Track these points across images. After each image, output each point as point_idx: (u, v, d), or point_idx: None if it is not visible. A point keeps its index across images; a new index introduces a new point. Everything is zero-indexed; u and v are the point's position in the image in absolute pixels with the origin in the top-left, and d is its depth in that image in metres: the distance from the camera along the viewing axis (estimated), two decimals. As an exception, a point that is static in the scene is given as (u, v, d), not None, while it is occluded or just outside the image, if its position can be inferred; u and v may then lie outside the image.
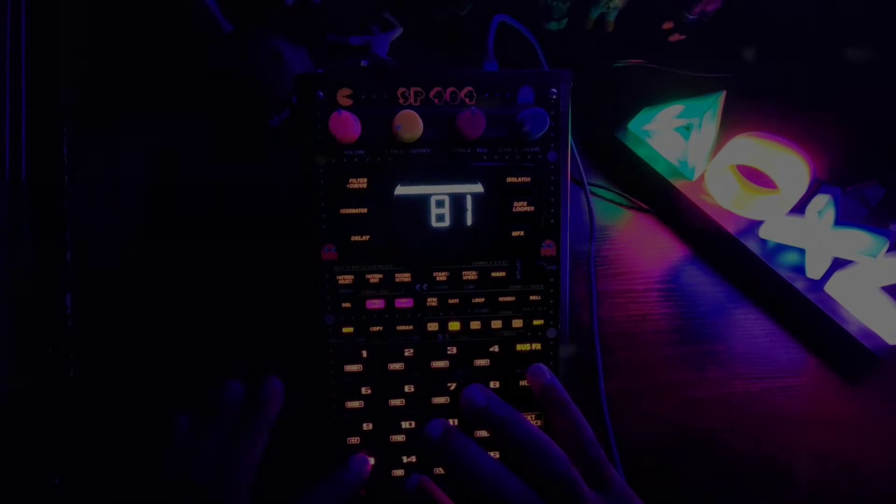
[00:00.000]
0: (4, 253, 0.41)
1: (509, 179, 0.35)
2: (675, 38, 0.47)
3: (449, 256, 0.35)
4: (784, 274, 0.44)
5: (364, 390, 0.36)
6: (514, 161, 0.35)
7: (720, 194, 0.45)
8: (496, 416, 0.29)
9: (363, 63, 0.45)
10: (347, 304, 0.35)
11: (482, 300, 0.36)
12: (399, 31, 0.46)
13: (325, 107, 0.33)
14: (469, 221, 0.35)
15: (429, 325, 0.36)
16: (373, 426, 0.36)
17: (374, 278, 0.35)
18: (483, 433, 0.35)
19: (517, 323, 0.36)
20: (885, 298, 0.44)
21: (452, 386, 0.36)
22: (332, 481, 0.33)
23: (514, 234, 0.35)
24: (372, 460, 0.35)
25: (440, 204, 0.35)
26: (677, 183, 0.45)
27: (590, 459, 0.29)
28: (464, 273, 0.35)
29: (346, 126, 0.33)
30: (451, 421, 0.36)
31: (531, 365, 0.34)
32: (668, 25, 0.47)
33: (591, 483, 0.28)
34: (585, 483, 0.28)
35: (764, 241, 0.45)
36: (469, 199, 0.35)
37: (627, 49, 0.47)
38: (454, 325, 0.36)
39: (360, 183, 0.34)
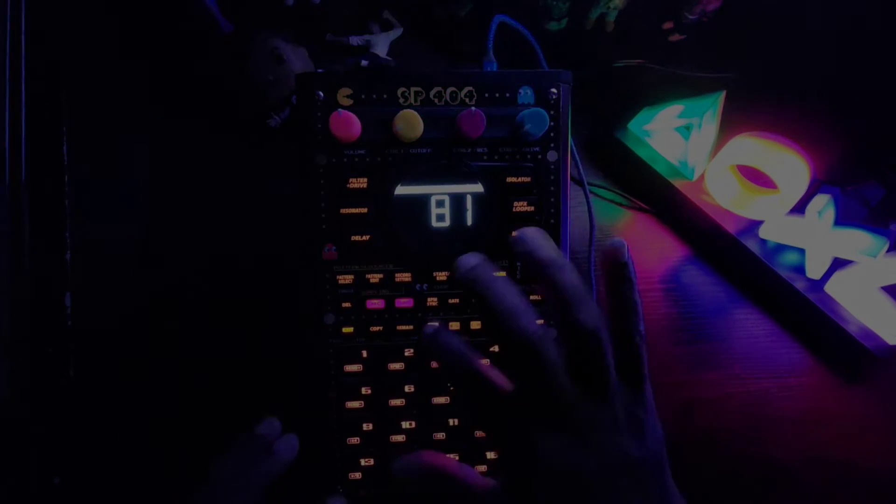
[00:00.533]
0: (4, 253, 0.41)
1: (509, 179, 0.35)
2: (675, 38, 0.47)
3: (449, 256, 0.35)
4: (784, 274, 0.44)
5: (364, 390, 0.36)
6: (514, 161, 0.35)
7: (720, 194, 0.45)
8: (540, 259, 0.26)
9: (363, 63, 0.45)
10: (347, 304, 0.35)
11: (482, 300, 0.36)
12: (399, 31, 0.46)
13: (325, 107, 0.33)
14: (469, 221, 0.35)
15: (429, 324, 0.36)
16: (373, 426, 0.36)
17: (374, 278, 0.35)
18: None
19: (517, 323, 0.36)
20: (885, 298, 0.44)
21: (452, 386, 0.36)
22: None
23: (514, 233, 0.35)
24: None
25: (440, 204, 0.35)
26: (677, 183, 0.45)
27: (631, 346, 0.26)
28: (464, 273, 0.35)
29: (346, 126, 0.33)
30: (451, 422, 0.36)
31: (614, 239, 0.29)
32: (668, 25, 0.47)
33: (621, 370, 0.26)
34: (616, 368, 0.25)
35: (764, 241, 0.45)
36: (469, 198, 0.35)
37: (627, 49, 0.47)
38: (454, 325, 0.36)
39: (360, 183, 0.34)
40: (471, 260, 0.26)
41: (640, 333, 0.27)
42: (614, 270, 0.27)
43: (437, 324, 0.27)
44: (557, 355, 0.24)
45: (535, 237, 0.27)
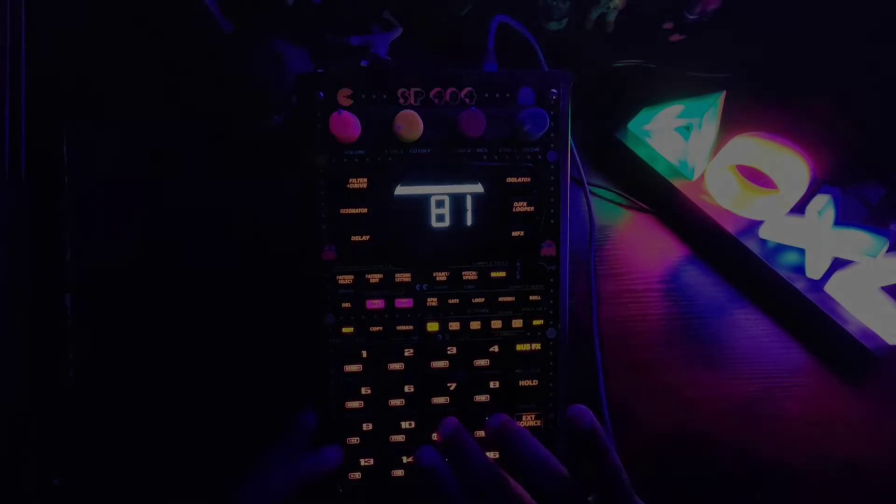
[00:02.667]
0: (4, 253, 0.41)
1: (509, 179, 0.35)
2: (675, 38, 0.47)
3: (449, 256, 0.35)
4: (784, 274, 0.44)
5: (364, 390, 0.36)
6: (514, 161, 0.35)
7: (720, 194, 0.45)
8: (509, 432, 0.31)
9: (363, 63, 0.45)
10: (347, 304, 0.35)
11: (482, 300, 0.36)
12: (399, 31, 0.46)
13: (325, 107, 0.33)
14: (469, 221, 0.35)
15: (429, 325, 0.36)
16: (373, 426, 0.36)
17: (374, 278, 0.35)
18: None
19: (517, 323, 0.36)
20: (885, 298, 0.44)
21: (452, 386, 0.36)
22: (297, 461, 0.33)
23: (514, 234, 0.35)
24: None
25: (440, 204, 0.35)
26: (677, 183, 0.45)
27: (618, 492, 0.29)
28: (464, 273, 0.35)
29: (346, 126, 0.33)
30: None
31: (572, 406, 0.32)
32: (668, 25, 0.47)
33: None
34: None
35: (764, 241, 0.45)
36: (469, 199, 0.35)
37: (627, 49, 0.47)
38: (454, 325, 0.36)
39: (360, 183, 0.34)
40: (426, 457, 0.31)
41: (624, 492, 0.29)
42: (583, 441, 0.30)
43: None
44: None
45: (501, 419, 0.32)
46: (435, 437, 0.34)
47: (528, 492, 0.29)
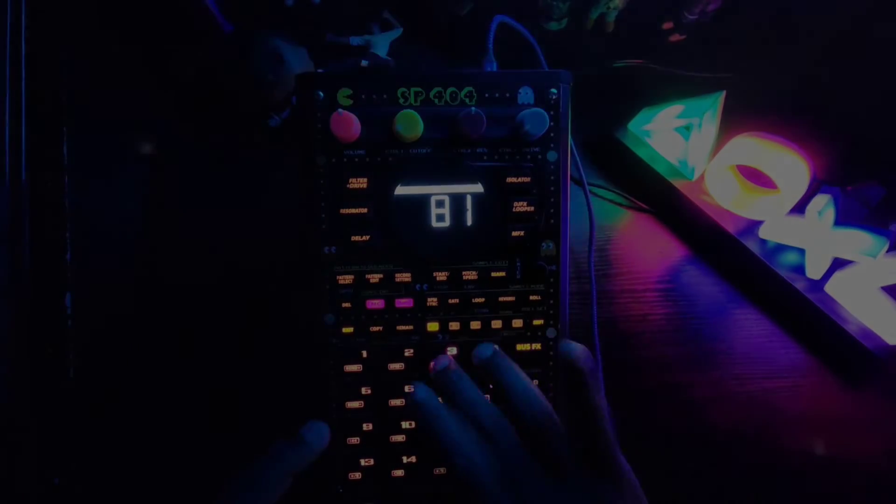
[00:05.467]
0: (4, 253, 0.41)
1: (509, 179, 0.35)
2: (675, 38, 0.47)
3: (449, 256, 0.35)
4: (784, 274, 0.44)
5: (364, 390, 0.36)
6: (514, 161, 0.35)
7: (720, 194, 0.45)
8: (497, 365, 0.32)
9: (363, 63, 0.45)
10: (347, 304, 0.35)
11: (482, 300, 0.36)
12: (399, 31, 0.46)
13: (325, 107, 0.33)
14: (469, 221, 0.35)
15: (429, 325, 0.36)
16: (373, 426, 0.36)
17: (374, 278, 0.35)
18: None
19: (517, 323, 0.36)
20: (885, 298, 0.44)
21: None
22: (275, 456, 0.32)
23: (514, 234, 0.35)
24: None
25: (440, 204, 0.35)
26: (677, 183, 0.45)
27: (599, 440, 0.29)
28: (464, 273, 0.35)
29: (346, 126, 0.33)
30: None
31: (566, 343, 0.31)
32: (668, 25, 0.47)
33: (588, 461, 0.29)
34: (582, 456, 0.29)
35: (764, 241, 0.45)
36: (469, 199, 0.35)
37: (627, 49, 0.47)
38: (454, 325, 0.36)
39: (360, 183, 0.34)
40: (419, 392, 0.32)
41: (604, 429, 0.29)
42: (575, 377, 0.30)
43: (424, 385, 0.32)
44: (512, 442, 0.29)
45: (492, 348, 0.33)
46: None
47: (514, 423, 0.30)
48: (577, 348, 0.30)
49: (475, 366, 0.33)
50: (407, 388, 0.36)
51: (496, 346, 0.33)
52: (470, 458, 0.29)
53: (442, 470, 0.35)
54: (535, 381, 0.36)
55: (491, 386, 0.34)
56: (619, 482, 0.29)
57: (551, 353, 0.36)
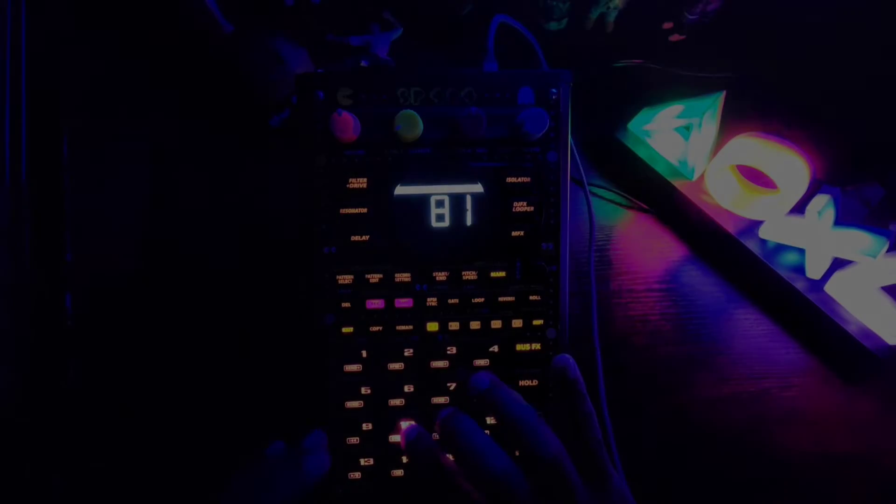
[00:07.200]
0: (4, 253, 0.41)
1: (509, 179, 0.35)
2: (675, 38, 0.47)
3: (449, 256, 0.35)
4: (784, 274, 0.44)
5: (364, 390, 0.36)
6: (514, 161, 0.35)
7: (720, 194, 0.45)
8: (496, 397, 0.30)
9: (363, 63, 0.45)
10: (347, 304, 0.35)
11: (482, 300, 0.36)
12: (399, 31, 0.46)
13: (325, 107, 0.33)
14: (469, 221, 0.35)
15: (428, 325, 0.36)
16: (373, 426, 0.36)
17: (374, 278, 0.35)
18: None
19: (517, 323, 0.36)
20: (885, 298, 0.44)
21: (452, 386, 0.36)
22: (293, 476, 0.32)
23: (514, 234, 0.35)
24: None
25: (440, 204, 0.35)
26: (677, 183, 0.45)
27: (589, 453, 0.29)
28: (464, 273, 0.35)
29: (346, 126, 0.33)
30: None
31: (558, 355, 0.32)
32: (668, 25, 0.47)
33: (586, 477, 0.29)
34: (580, 476, 0.28)
35: (764, 241, 0.45)
36: (469, 199, 0.35)
37: (627, 49, 0.47)
38: (454, 325, 0.36)
39: (360, 183, 0.34)
40: (444, 412, 0.30)
41: (596, 440, 0.30)
42: (564, 386, 0.31)
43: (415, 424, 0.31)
44: (523, 488, 0.27)
45: (490, 378, 0.31)
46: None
47: (521, 455, 0.29)
48: (571, 364, 0.31)
49: (473, 398, 0.31)
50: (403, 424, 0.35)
51: (493, 377, 0.31)
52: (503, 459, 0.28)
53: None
54: (535, 382, 0.36)
55: (490, 420, 0.34)
56: (611, 494, 0.29)
57: (551, 353, 0.36)
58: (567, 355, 0.32)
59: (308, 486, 0.32)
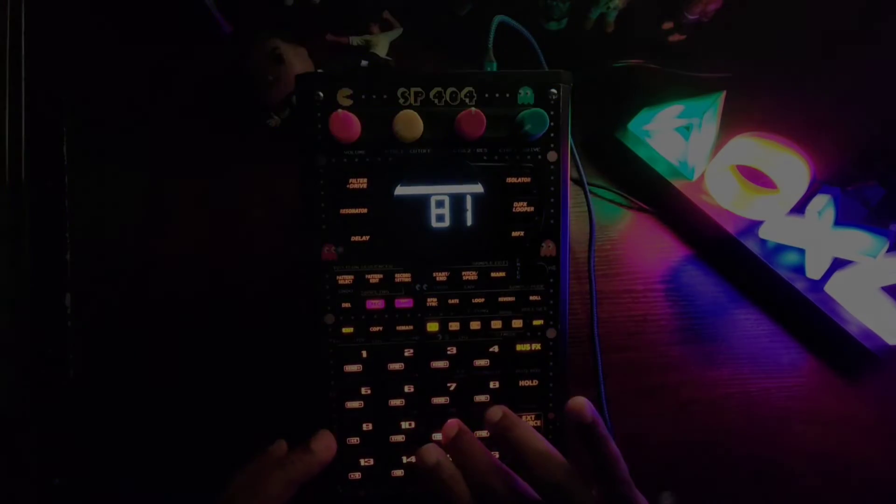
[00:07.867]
0: (4, 253, 0.41)
1: (509, 179, 0.35)
2: (675, 38, 0.47)
3: (449, 256, 0.35)
4: (784, 274, 0.44)
5: (364, 390, 0.36)
6: (514, 161, 0.35)
7: (720, 194, 0.45)
8: (507, 428, 0.30)
9: (363, 63, 0.45)
10: (347, 305, 0.35)
11: (482, 300, 0.36)
12: (399, 31, 0.46)
13: (325, 107, 0.33)
14: (469, 221, 0.35)
15: (429, 325, 0.36)
16: (373, 426, 0.36)
17: (374, 278, 0.35)
18: None
19: (517, 323, 0.36)
20: (885, 298, 0.44)
21: (452, 386, 0.36)
22: (282, 464, 0.32)
23: (514, 234, 0.35)
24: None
25: (440, 204, 0.35)
26: (677, 183, 0.45)
27: (621, 498, 0.29)
28: (464, 273, 0.35)
29: (346, 126, 0.33)
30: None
31: (573, 398, 0.30)
32: (668, 25, 0.47)
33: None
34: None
35: (764, 241, 0.45)
36: (469, 199, 0.35)
37: (627, 49, 0.47)
38: (454, 325, 0.36)
39: (360, 183, 0.34)
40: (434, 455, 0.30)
41: (627, 482, 0.29)
42: (583, 432, 0.29)
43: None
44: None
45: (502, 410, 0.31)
46: (440, 437, 0.33)
47: (531, 485, 0.29)
48: (587, 405, 0.30)
49: (487, 429, 0.31)
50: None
51: (505, 408, 0.31)
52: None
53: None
54: (535, 382, 0.36)
55: (500, 451, 0.34)
56: None
57: (551, 353, 0.36)
58: (581, 397, 0.30)
59: (316, 467, 0.33)
